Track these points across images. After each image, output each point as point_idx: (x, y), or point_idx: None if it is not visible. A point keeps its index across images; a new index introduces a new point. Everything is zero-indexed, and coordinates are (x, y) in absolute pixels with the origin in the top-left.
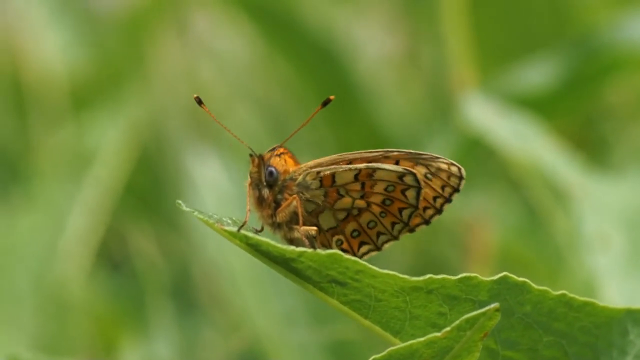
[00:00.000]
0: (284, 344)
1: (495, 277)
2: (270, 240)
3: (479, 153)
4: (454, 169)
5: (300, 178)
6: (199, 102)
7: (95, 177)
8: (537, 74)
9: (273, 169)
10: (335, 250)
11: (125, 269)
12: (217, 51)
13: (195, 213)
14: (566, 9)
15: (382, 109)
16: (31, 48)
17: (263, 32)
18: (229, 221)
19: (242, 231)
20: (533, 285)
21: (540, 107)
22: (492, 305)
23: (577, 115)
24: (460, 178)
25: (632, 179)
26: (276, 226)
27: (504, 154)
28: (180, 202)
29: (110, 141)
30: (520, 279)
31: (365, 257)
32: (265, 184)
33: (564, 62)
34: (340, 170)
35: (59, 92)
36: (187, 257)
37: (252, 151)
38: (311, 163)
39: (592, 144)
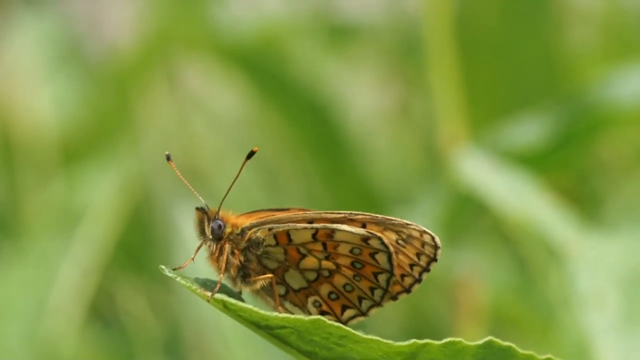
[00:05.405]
0: None
1: (480, 342)
2: (253, 306)
3: (470, 209)
4: (426, 237)
5: (250, 233)
6: (168, 158)
7: (85, 233)
8: (529, 129)
9: (220, 222)
10: (319, 317)
11: (116, 325)
12: (208, 105)
13: (178, 279)
14: (557, 65)
15: (374, 163)
16: (21, 102)
17: (255, 86)
18: (213, 285)
19: (220, 296)
20: (518, 349)
21: (532, 163)
22: None
23: (570, 171)
24: (436, 247)
25: (626, 235)
26: (233, 281)
27: (498, 210)
28: (163, 267)
29: (100, 197)
30: (505, 343)
31: (352, 321)
32: (211, 237)
33: (555, 118)
34: (295, 228)
35: (49, 147)
36: (177, 315)
37: (206, 206)
38: (268, 219)
39: (584, 200)
